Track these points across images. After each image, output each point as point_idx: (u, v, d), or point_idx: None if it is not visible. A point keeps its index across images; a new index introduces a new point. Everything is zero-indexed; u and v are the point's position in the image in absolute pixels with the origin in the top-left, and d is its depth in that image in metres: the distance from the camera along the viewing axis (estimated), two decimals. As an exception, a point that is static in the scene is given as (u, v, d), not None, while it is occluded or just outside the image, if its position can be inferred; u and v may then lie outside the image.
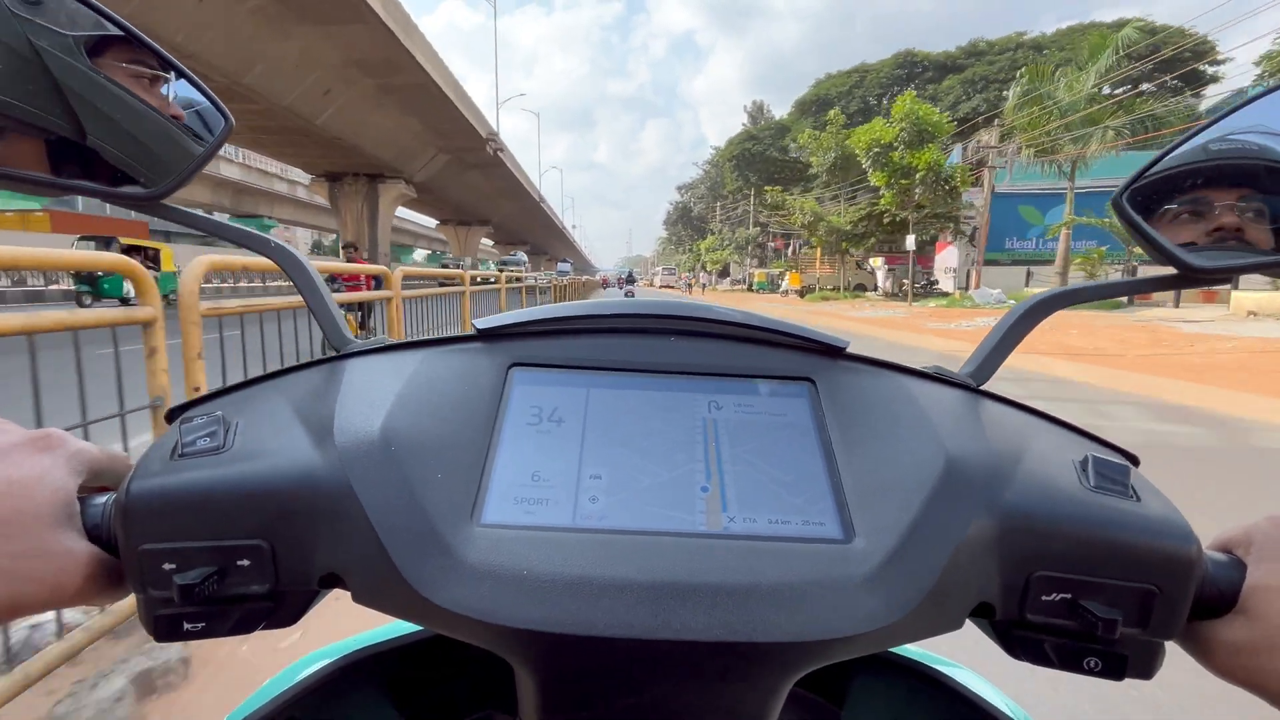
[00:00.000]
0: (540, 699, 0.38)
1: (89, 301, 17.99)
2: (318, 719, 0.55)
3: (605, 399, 0.46)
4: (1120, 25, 25.65)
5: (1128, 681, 0.41)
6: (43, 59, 0.45)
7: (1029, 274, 30.73)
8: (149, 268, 3.06)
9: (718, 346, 0.51)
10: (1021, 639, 0.41)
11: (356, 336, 0.56)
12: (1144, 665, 0.40)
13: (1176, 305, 20.73)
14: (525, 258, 63.81)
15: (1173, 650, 0.42)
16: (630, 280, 40.95)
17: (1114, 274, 23.43)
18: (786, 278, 47.34)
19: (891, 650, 0.60)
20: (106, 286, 18.14)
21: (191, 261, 2.50)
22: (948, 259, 36.08)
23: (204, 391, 0.49)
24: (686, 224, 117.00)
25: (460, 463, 0.41)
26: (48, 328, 1.97)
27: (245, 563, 0.38)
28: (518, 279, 13.36)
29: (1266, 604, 0.38)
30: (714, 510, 0.40)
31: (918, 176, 27.34)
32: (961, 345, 12.14)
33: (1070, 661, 0.40)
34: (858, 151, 30.29)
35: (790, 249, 56.08)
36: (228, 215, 48.97)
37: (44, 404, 2.00)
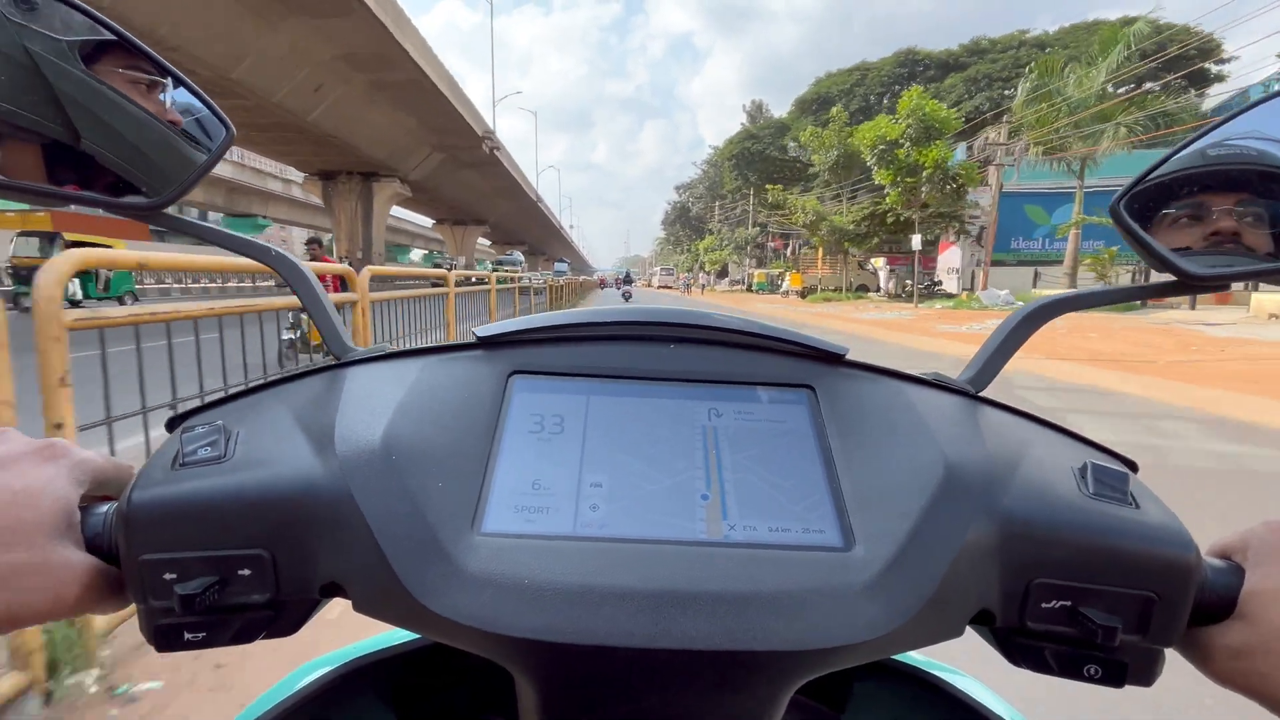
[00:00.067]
0: (541, 707, 0.38)
1: (28, 304, 16.64)
2: None
3: (605, 406, 0.47)
4: (1127, 23, 25.07)
5: (1128, 688, 0.41)
6: (38, 65, 0.44)
7: (1036, 275, 30.17)
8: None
9: (717, 354, 0.51)
10: (1022, 646, 0.41)
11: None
12: (1144, 672, 0.40)
13: (1193, 307, 20.16)
14: (521, 257, 63.35)
15: (1172, 657, 0.42)
16: (628, 280, 40.78)
17: (1124, 275, 22.88)
18: (787, 278, 46.61)
19: (893, 657, 0.59)
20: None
21: (51, 259, 1.87)
22: (951, 259, 35.50)
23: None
24: (685, 224, 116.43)
25: (461, 471, 0.41)
26: None
27: (246, 572, 0.38)
28: (510, 279, 12.65)
29: (1264, 609, 0.38)
30: (714, 518, 0.41)
31: (924, 174, 26.58)
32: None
33: (1070, 669, 0.40)
34: (862, 149, 29.52)
35: (790, 249, 55.47)
36: (221, 214, 48.44)
37: None
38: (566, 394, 0.47)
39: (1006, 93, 54.84)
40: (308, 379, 0.50)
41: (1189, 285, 0.50)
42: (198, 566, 0.37)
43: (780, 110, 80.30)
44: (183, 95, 0.55)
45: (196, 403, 0.45)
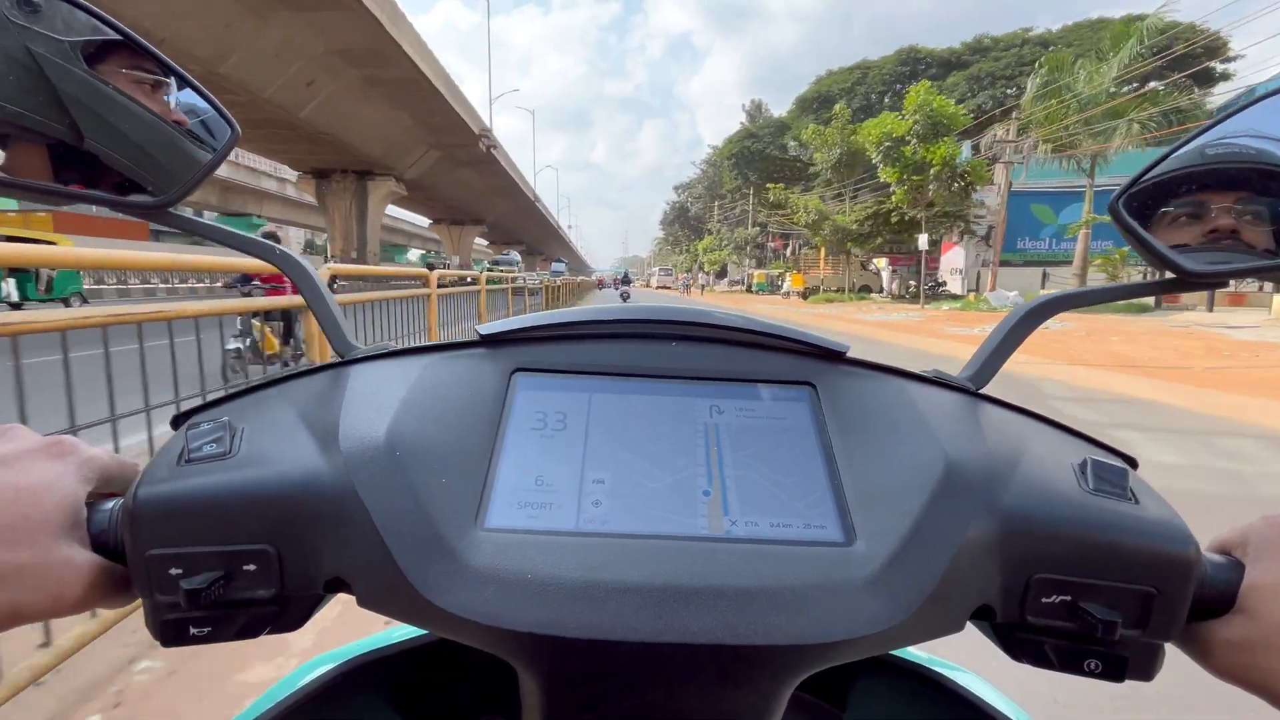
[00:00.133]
0: (544, 702, 0.38)
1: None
2: None
3: (608, 403, 0.47)
4: (1134, 20, 24.52)
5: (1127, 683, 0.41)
6: (41, 67, 0.45)
7: (1045, 275, 29.60)
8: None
9: (719, 351, 0.52)
10: (1022, 641, 0.41)
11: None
12: (1144, 667, 0.41)
13: (1210, 309, 19.65)
14: (518, 257, 62.50)
15: (1171, 652, 0.42)
16: (626, 281, 40.49)
17: (1135, 277, 22.31)
18: (788, 279, 46.06)
19: (893, 653, 0.60)
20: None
21: None
22: (954, 260, 34.99)
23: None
24: (683, 224, 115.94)
25: (464, 467, 0.42)
26: None
27: (251, 567, 0.38)
28: (499, 279, 11.89)
29: (1264, 603, 0.38)
30: (716, 514, 0.41)
31: (931, 172, 25.93)
32: (1016, 355, 10.99)
33: (1070, 663, 0.41)
34: (867, 146, 28.94)
35: (790, 249, 54.94)
36: (215, 213, 47.87)
37: None
38: (569, 391, 0.47)
39: (1010, 91, 54.44)
40: (312, 376, 0.50)
41: (1188, 282, 0.50)
42: (203, 562, 0.37)
43: (779, 110, 79.77)
44: (187, 94, 0.55)
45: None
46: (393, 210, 64.92)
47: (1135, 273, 22.76)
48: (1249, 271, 0.50)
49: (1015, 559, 0.40)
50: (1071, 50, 28.36)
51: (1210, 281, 0.50)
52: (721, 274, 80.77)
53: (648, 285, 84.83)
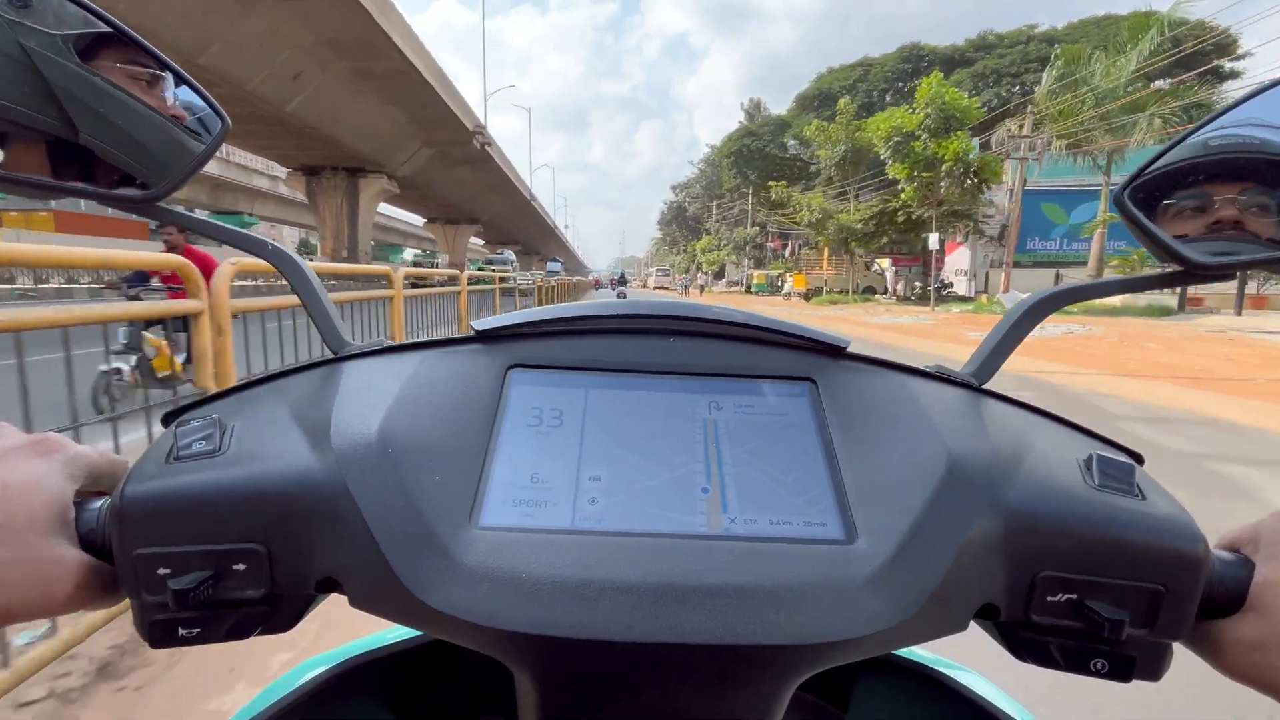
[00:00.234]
0: (539, 703, 0.38)
1: None
2: None
3: (605, 400, 0.46)
4: (1150, 14, 23.70)
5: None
6: (33, 61, 0.45)
7: (1058, 276, 28.63)
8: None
9: (718, 347, 0.51)
10: (1027, 641, 0.41)
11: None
12: (1152, 666, 0.40)
13: (1239, 312, 18.80)
14: (513, 256, 61.60)
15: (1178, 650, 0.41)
16: (622, 281, 39.79)
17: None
18: (789, 279, 45.16)
19: (896, 652, 0.60)
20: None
21: None
22: (959, 260, 34.15)
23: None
24: (681, 224, 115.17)
25: (458, 465, 0.41)
26: None
27: (241, 567, 0.37)
28: (488, 279, 10.69)
29: (1275, 601, 0.38)
30: (714, 511, 0.40)
31: (943, 168, 24.94)
32: (1053, 365, 10.11)
33: (1076, 663, 0.40)
34: (875, 141, 27.96)
35: (789, 250, 54.09)
36: (205, 211, 46.83)
37: None
38: (565, 387, 0.47)
39: (1014, 90, 53.69)
40: (304, 373, 0.50)
41: (1193, 274, 0.50)
42: (192, 561, 0.37)
43: (778, 110, 78.80)
44: (177, 87, 0.55)
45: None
46: (387, 209, 64.00)
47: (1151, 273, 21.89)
48: (1255, 263, 0.49)
49: (1020, 557, 0.39)
50: (1077, 48, 27.51)
51: (1216, 273, 0.50)
52: (719, 275, 79.94)
53: (644, 286, 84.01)
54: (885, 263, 38.19)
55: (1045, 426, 0.49)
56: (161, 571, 0.36)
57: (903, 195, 27.77)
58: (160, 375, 4.78)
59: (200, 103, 0.56)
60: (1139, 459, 0.47)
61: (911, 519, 0.39)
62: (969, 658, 0.60)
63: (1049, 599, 0.39)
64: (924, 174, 25.80)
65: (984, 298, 27.31)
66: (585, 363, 0.48)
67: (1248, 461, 4.93)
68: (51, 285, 22.36)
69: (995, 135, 27.88)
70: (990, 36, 61.97)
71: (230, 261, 2.87)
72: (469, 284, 7.91)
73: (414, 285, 6.27)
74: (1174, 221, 0.51)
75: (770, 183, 44.55)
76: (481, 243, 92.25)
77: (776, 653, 0.35)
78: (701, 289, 64.65)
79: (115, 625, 2.36)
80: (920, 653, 0.62)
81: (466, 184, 45.77)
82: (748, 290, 57.04)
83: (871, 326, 18.73)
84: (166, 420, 0.45)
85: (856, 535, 0.39)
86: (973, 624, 0.40)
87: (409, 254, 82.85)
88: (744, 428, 0.45)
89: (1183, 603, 0.38)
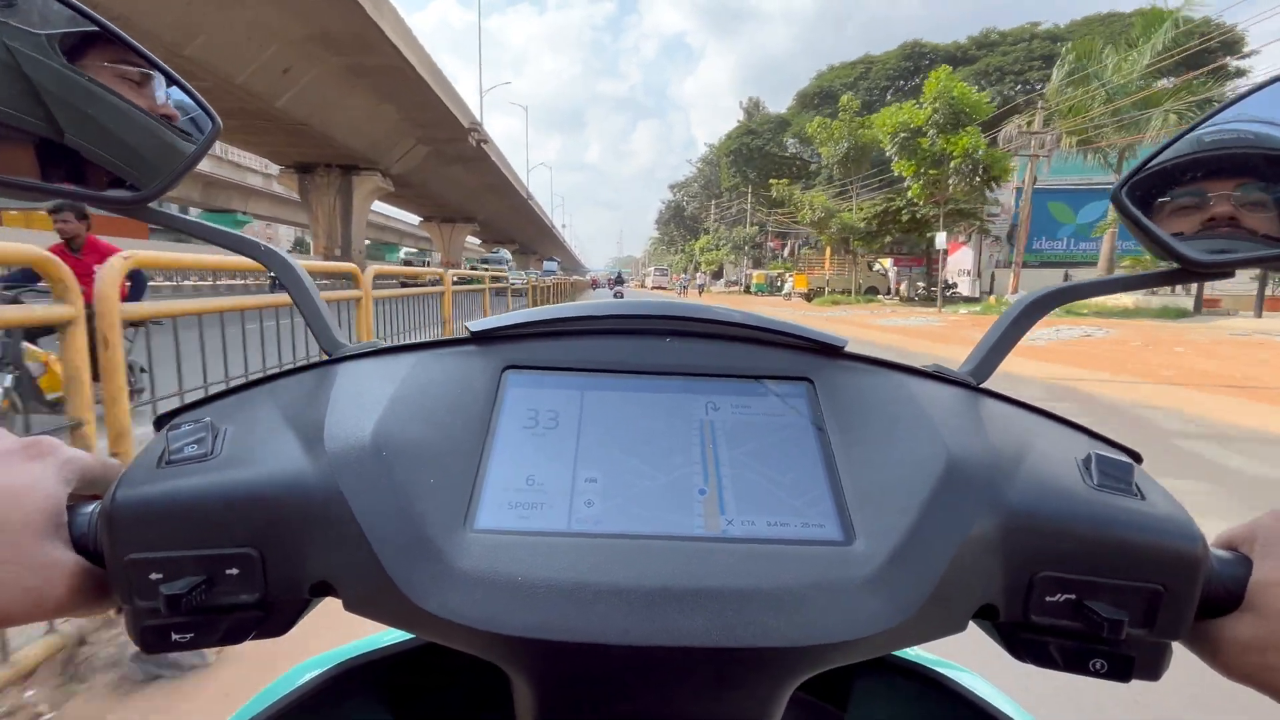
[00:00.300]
0: (536, 707, 0.38)
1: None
2: None
3: (601, 401, 0.46)
4: (1161, 10, 23.15)
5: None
6: (16, 60, 0.45)
7: (1066, 276, 27.97)
8: None
9: (714, 347, 0.51)
10: (1026, 641, 0.40)
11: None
12: (1151, 666, 0.40)
13: (1259, 314, 18.18)
14: (509, 255, 60.80)
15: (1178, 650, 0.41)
16: (619, 281, 39.35)
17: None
18: (790, 279, 44.46)
19: (895, 653, 0.60)
20: None
21: None
22: (961, 260, 33.60)
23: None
24: (679, 224, 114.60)
25: (453, 467, 0.41)
26: None
27: (234, 571, 0.37)
28: (478, 279, 9.85)
29: (1273, 600, 0.38)
30: (712, 513, 0.40)
31: (952, 165, 24.20)
32: (1081, 371, 9.50)
33: (1076, 663, 0.40)
34: (881, 137, 27.22)
35: (788, 249, 53.51)
36: (198, 210, 46.18)
37: None
38: (561, 389, 0.47)
39: (1017, 88, 53.15)
40: (298, 375, 0.50)
41: (1191, 272, 0.50)
42: (184, 566, 0.36)
43: (774, 110, 77.95)
44: (167, 86, 0.55)
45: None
46: (384, 208, 63.34)
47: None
48: (1255, 261, 0.49)
49: (1019, 557, 0.39)
50: (1091, 40, 26.93)
51: (1215, 271, 0.49)
52: (717, 275, 79.28)
53: (642, 285, 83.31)
54: (887, 263, 37.59)
55: (1044, 425, 0.49)
56: (154, 576, 0.36)
57: (910, 192, 27.04)
58: (50, 397, 3.94)
59: (191, 103, 0.55)
60: (1138, 458, 0.47)
61: (910, 519, 0.39)
62: (968, 658, 0.60)
63: (1048, 599, 0.39)
64: (931, 171, 25.12)
65: (992, 299, 26.73)
66: (581, 363, 0.48)
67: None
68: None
69: (1003, 132, 27.25)
70: (993, 34, 61.18)
71: (124, 255, 2.23)
72: (456, 283, 7.06)
73: (403, 285, 5.57)
74: (1172, 219, 0.50)
75: (772, 180, 43.70)
76: (478, 242, 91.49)
77: (775, 655, 0.34)
78: (701, 289, 63.87)
79: None
80: (919, 653, 0.62)
81: (462, 182, 45.09)
82: (747, 290, 56.35)
83: (881, 329, 18.19)
84: (159, 424, 0.44)
85: (855, 536, 0.39)
86: (971, 624, 0.40)
87: (403, 253, 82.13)
88: (741, 428, 0.45)
89: (1182, 602, 0.38)
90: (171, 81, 0.54)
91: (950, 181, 24.81)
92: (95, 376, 3.99)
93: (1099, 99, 22.37)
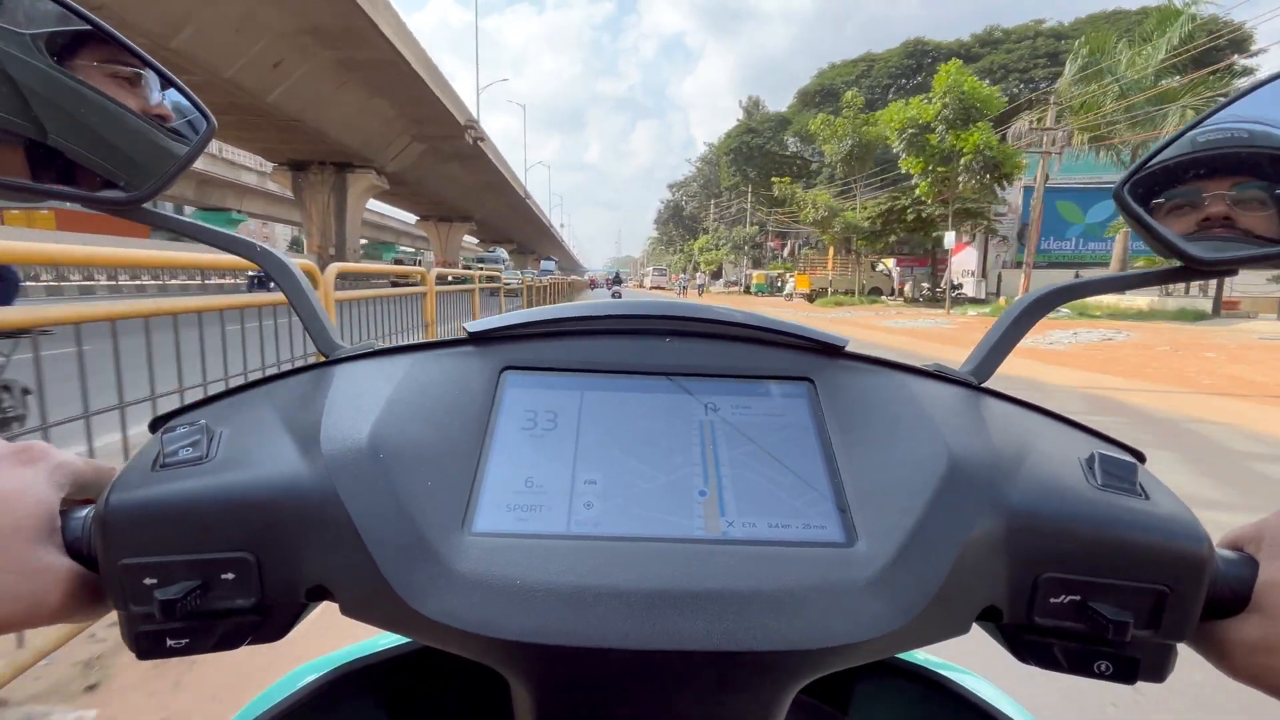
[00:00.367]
0: (535, 711, 0.37)
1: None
2: None
3: (600, 402, 0.46)
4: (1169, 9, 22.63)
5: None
6: (1, 61, 0.44)
7: (1077, 276, 27.38)
8: None
9: (714, 347, 0.51)
10: (1030, 643, 0.40)
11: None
12: (1156, 668, 0.39)
13: (1281, 317, 17.66)
14: (505, 255, 60.26)
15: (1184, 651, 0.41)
16: (617, 281, 38.89)
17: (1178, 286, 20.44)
18: (791, 280, 43.83)
19: (897, 655, 0.59)
20: None
21: None
22: (966, 261, 33.03)
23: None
24: (678, 223, 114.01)
25: (451, 469, 0.40)
26: None
27: (230, 576, 0.37)
28: (467, 279, 9.17)
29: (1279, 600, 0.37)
30: (712, 515, 0.40)
31: (962, 162, 23.54)
32: (1111, 378, 8.92)
33: (1080, 665, 0.39)
34: (888, 134, 26.60)
35: (788, 249, 52.93)
36: (192, 208, 45.51)
37: None
38: (560, 389, 0.46)
39: (1022, 85, 52.60)
40: (294, 377, 0.49)
41: (1195, 270, 0.50)
42: (179, 570, 0.36)
43: (775, 109, 77.36)
44: (160, 85, 0.54)
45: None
46: (380, 207, 62.68)
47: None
48: (1258, 259, 0.49)
49: (1022, 558, 0.38)
50: (1105, 34, 26.37)
51: (1217, 269, 0.49)
52: (717, 275, 78.69)
53: (640, 285, 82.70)
54: (890, 263, 37.00)
55: (1046, 425, 0.49)
56: (148, 582, 0.35)
57: (918, 190, 26.39)
58: None
59: (185, 103, 0.55)
60: (1141, 457, 0.46)
61: (912, 520, 0.38)
62: (970, 660, 0.60)
63: (1052, 600, 0.38)
64: (940, 168, 24.50)
65: (1002, 300, 26.13)
66: (580, 364, 0.48)
67: None
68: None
69: (1013, 129, 26.65)
70: (997, 31, 60.71)
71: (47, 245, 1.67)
72: (442, 283, 6.39)
73: (394, 284, 4.95)
74: (1174, 217, 0.50)
75: (774, 179, 43.02)
76: (476, 241, 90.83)
77: (776, 658, 0.34)
78: (700, 289, 63.23)
79: None
80: (922, 655, 0.62)
81: (459, 181, 44.47)
82: (747, 290, 55.69)
83: (888, 331, 17.63)
84: (154, 426, 0.43)
85: (856, 538, 0.38)
86: (975, 626, 0.40)
87: (399, 251, 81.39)
88: (741, 429, 0.44)
89: (1187, 603, 0.38)
90: (167, 83, 0.53)
91: (960, 179, 24.18)
92: (25, 390, 3.30)
93: (1112, 94, 21.78)
